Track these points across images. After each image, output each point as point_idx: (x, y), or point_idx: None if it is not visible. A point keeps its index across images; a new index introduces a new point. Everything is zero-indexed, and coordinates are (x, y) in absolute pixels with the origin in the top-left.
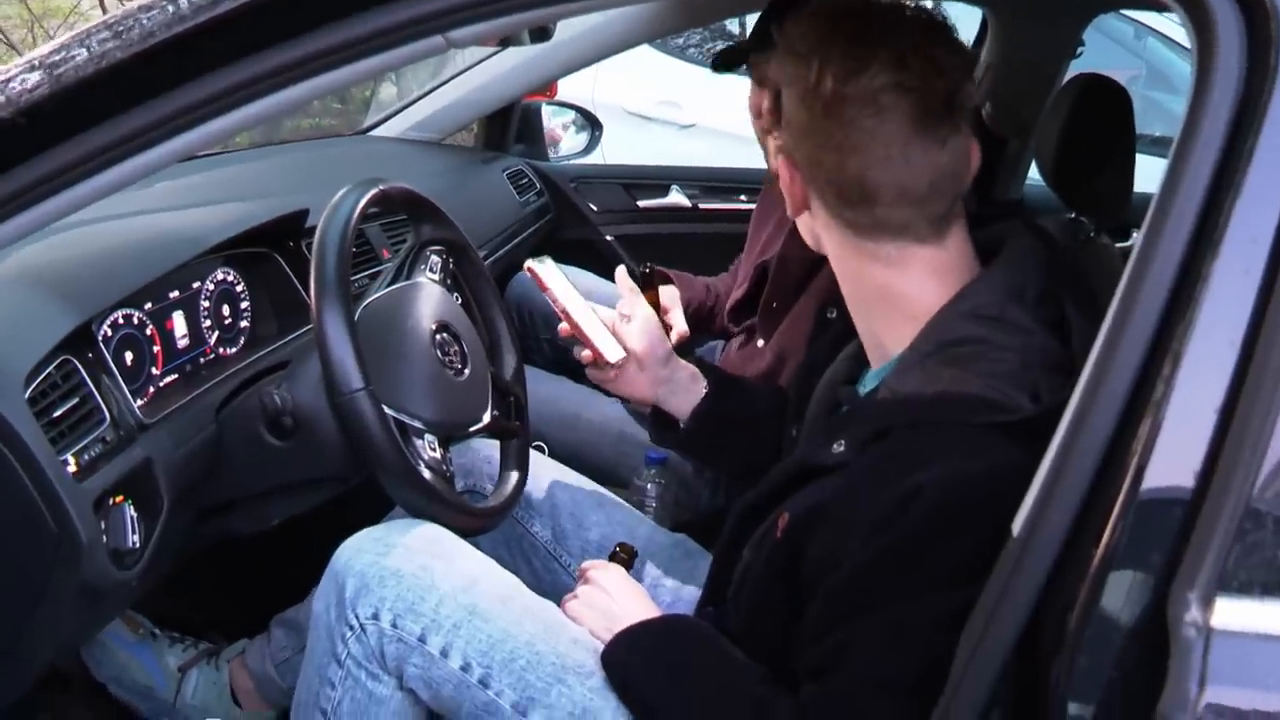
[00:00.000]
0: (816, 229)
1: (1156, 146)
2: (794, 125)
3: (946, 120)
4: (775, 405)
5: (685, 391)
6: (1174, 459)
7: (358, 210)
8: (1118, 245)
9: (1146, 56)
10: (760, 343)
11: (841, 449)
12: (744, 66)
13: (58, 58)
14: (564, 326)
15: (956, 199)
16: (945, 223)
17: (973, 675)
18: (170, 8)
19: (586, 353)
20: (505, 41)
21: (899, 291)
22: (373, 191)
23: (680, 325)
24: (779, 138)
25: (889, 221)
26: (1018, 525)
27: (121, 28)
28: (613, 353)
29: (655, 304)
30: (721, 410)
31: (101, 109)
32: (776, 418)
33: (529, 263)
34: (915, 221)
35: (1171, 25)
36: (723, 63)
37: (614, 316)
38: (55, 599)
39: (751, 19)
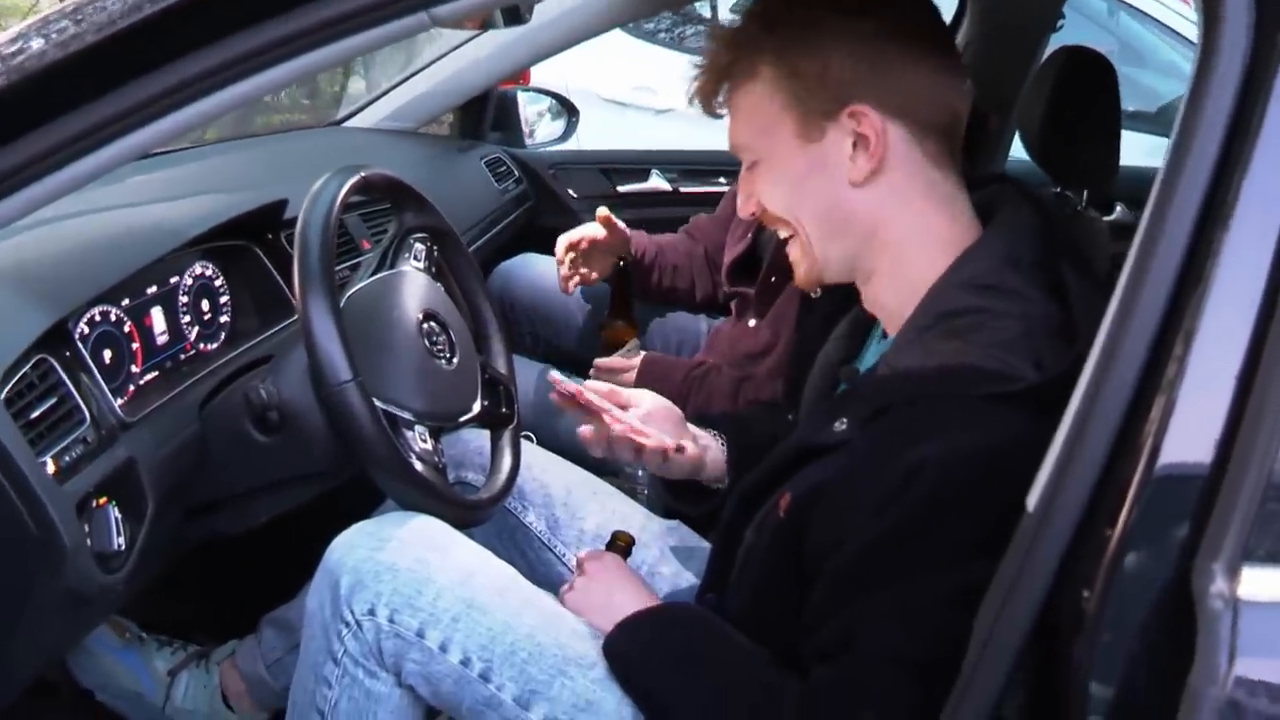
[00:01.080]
0: (889, 184)
1: (1131, 121)
2: (878, 73)
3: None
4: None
5: (708, 450)
6: (1191, 433)
7: (340, 198)
8: (1104, 219)
9: (1119, 32)
10: (752, 321)
11: (843, 427)
12: None
13: (13, 49)
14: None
15: None
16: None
17: (990, 656)
18: None
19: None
20: (484, 25)
21: (923, 242)
22: (354, 179)
23: None
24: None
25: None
26: (1032, 502)
27: (81, 15)
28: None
29: (628, 302)
30: (749, 447)
31: (69, 97)
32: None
33: (558, 384)
34: (955, 152)
35: (1145, 2)
36: None
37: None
38: (39, 605)
39: (723, 3)
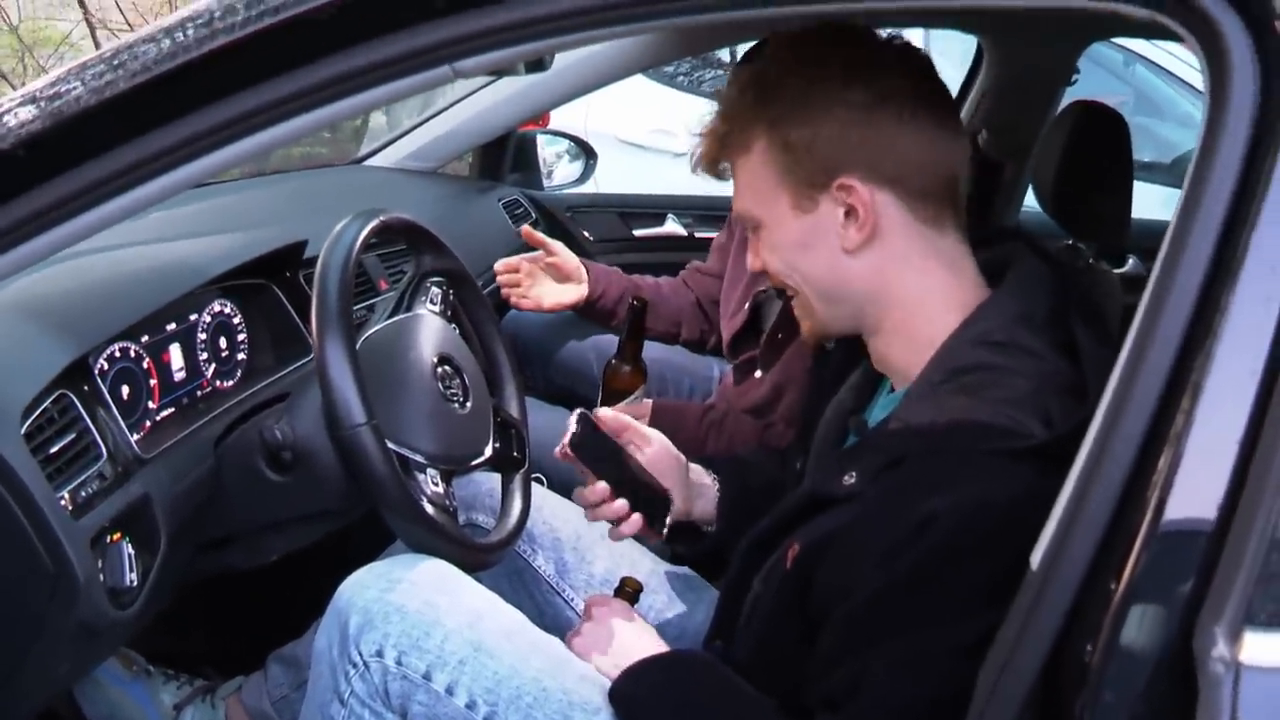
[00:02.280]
0: (886, 251)
1: (1146, 172)
2: (867, 143)
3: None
4: (779, 470)
5: (703, 491)
6: (1196, 490)
7: (359, 241)
8: (1115, 271)
9: (1134, 83)
10: (758, 373)
11: (853, 480)
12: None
13: (53, 91)
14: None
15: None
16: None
17: (995, 707)
18: (166, 42)
19: (628, 526)
20: (500, 72)
21: (930, 303)
22: (374, 222)
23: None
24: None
25: (949, 214)
26: (1037, 557)
27: (119, 61)
28: (660, 523)
29: (639, 346)
30: (742, 493)
31: (102, 141)
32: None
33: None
34: (956, 213)
35: (1160, 52)
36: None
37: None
38: (51, 638)
39: (742, 48)
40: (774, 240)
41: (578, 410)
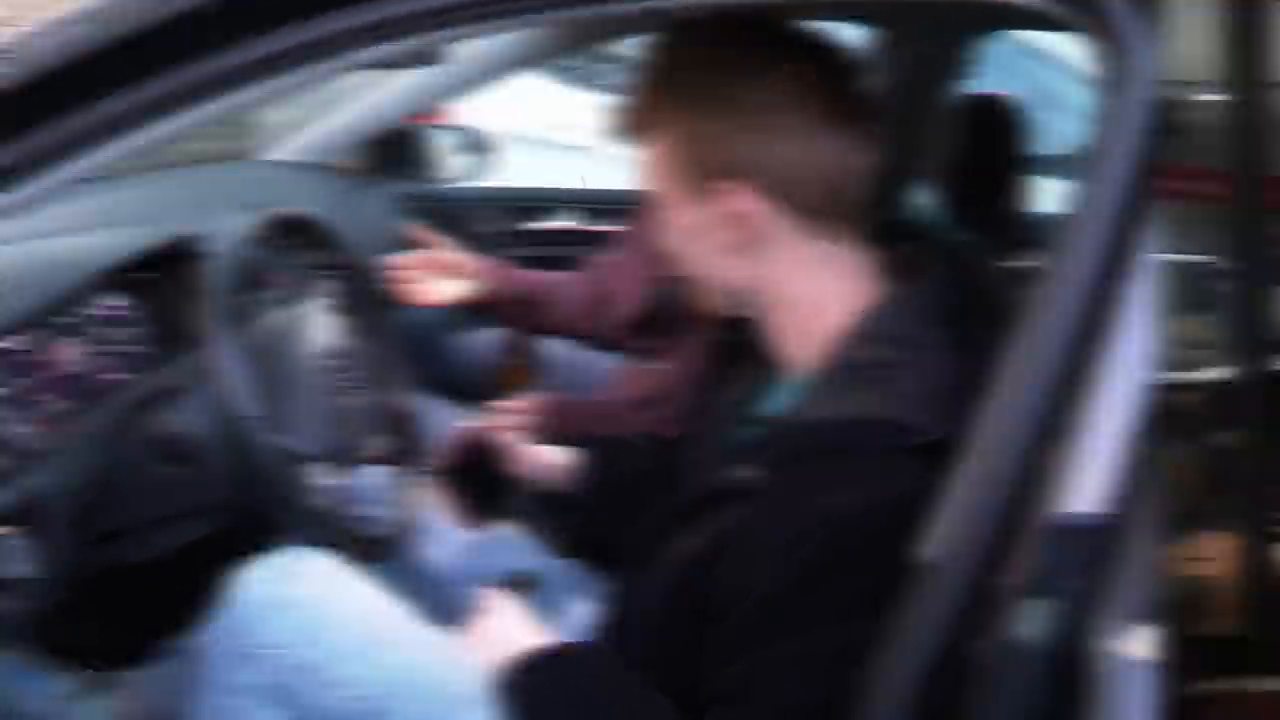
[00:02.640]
0: (770, 256)
1: (1041, 166)
2: (756, 149)
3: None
4: (665, 458)
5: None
6: (1086, 485)
7: (250, 235)
8: (1010, 265)
9: (1029, 76)
10: (652, 365)
11: (748, 474)
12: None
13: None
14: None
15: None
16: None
17: (884, 709)
18: None
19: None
20: (390, 65)
21: (821, 303)
22: (265, 216)
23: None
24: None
25: (843, 223)
26: (927, 554)
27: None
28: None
29: (531, 336)
30: (619, 475)
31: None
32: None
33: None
34: (851, 221)
35: (1055, 46)
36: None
37: None
38: None
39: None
40: (665, 221)
41: (463, 425)
